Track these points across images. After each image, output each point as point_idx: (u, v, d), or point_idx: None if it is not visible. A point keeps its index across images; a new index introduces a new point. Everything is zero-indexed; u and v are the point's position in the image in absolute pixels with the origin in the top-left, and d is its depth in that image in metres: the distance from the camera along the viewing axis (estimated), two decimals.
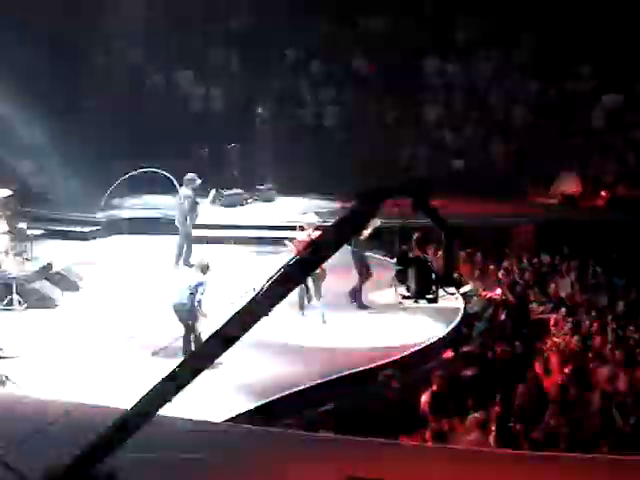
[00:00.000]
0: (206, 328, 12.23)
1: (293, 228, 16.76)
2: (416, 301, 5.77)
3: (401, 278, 5.81)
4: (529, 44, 23.18)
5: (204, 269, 12.94)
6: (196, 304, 12.66)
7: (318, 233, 15.43)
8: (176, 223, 17.21)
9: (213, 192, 17.42)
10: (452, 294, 5.94)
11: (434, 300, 5.74)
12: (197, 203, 17.09)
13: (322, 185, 21.03)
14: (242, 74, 24.04)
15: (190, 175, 16.97)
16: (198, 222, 17.56)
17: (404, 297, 5.86)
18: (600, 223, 18.80)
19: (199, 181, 16.99)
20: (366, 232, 13.67)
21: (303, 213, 16.93)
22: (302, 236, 15.55)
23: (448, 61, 23.29)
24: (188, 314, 12.74)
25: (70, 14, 23.33)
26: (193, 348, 12.48)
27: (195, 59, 24.33)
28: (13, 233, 15.76)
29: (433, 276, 5.77)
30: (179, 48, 24.34)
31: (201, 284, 12.73)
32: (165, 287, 15.75)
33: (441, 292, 5.81)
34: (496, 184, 21.06)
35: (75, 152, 20.87)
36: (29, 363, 12.73)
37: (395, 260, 5.73)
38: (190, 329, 12.78)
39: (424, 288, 5.73)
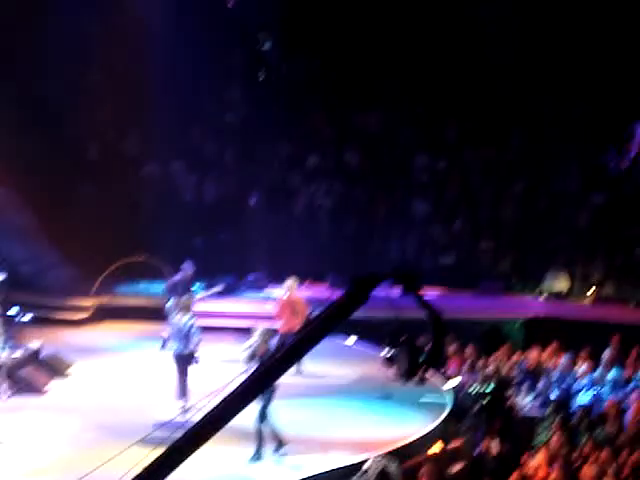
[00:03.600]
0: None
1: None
2: (405, 382, 5.91)
3: (390, 360, 5.97)
4: (517, 142, 23.62)
5: (187, 308, 14.28)
6: (191, 346, 13.87)
7: (297, 295, 16.22)
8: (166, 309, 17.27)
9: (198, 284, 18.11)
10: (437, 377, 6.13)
11: (422, 381, 5.89)
12: (188, 289, 17.29)
13: (312, 275, 21.16)
14: (235, 166, 24.36)
15: (186, 264, 17.49)
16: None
17: (393, 379, 6.03)
18: (588, 321, 18.90)
19: (192, 270, 17.34)
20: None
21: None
22: (281, 294, 16.48)
23: (438, 158, 23.66)
24: (186, 359, 13.83)
25: (67, 105, 23.76)
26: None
27: (190, 150, 24.67)
28: (3, 319, 15.78)
29: (421, 359, 5.93)
30: (174, 139, 24.71)
31: (192, 324, 14.02)
32: (152, 374, 15.83)
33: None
34: (484, 279, 21.31)
35: (68, 239, 21.01)
36: (14, 449, 12.66)
37: (386, 343, 5.94)
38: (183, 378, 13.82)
39: (413, 369, 5.89)
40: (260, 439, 12.70)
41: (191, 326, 14.03)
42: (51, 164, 22.30)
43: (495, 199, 22.79)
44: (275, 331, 14.88)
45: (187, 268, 17.39)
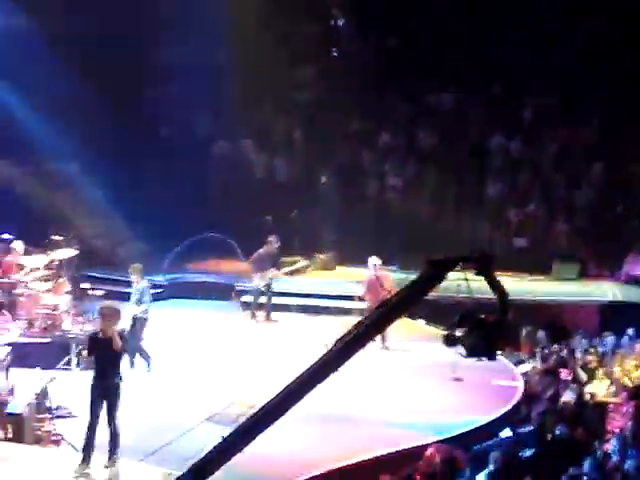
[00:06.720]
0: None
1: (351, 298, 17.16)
2: (479, 359, 5.92)
3: (458, 338, 5.93)
4: (596, 125, 23.05)
5: (134, 271, 15.27)
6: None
7: (382, 272, 16.44)
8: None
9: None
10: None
11: (492, 359, 5.93)
12: (274, 262, 17.86)
13: (381, 255, 20.97)
14: (306, 144, 24.24)
15: (272, 237, 18.05)
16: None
17: (463, 356, 6.04)
18: None
19: (278, 244, 17.98)
20: None
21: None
22: (368, 276, 16.53)
23: (513, 138, 23.21)
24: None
25: (137, 82, 23.81)
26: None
27: (261, 128, 24.60)
28: (75, 293, 15.90)
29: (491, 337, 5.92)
30: (245, 117, 24.66)
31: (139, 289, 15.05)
32: (220, 352, 15.89)
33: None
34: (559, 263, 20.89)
35: (140, 215, 21.12)
36: (85, 423, 12.72)
37: (456, 320, 5.95)
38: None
39: (484, 347, 5.91)
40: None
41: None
42: (128, 141, 22.44)
43: (571, 181, 22.30)
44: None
45: (273, 242, 17.56)
